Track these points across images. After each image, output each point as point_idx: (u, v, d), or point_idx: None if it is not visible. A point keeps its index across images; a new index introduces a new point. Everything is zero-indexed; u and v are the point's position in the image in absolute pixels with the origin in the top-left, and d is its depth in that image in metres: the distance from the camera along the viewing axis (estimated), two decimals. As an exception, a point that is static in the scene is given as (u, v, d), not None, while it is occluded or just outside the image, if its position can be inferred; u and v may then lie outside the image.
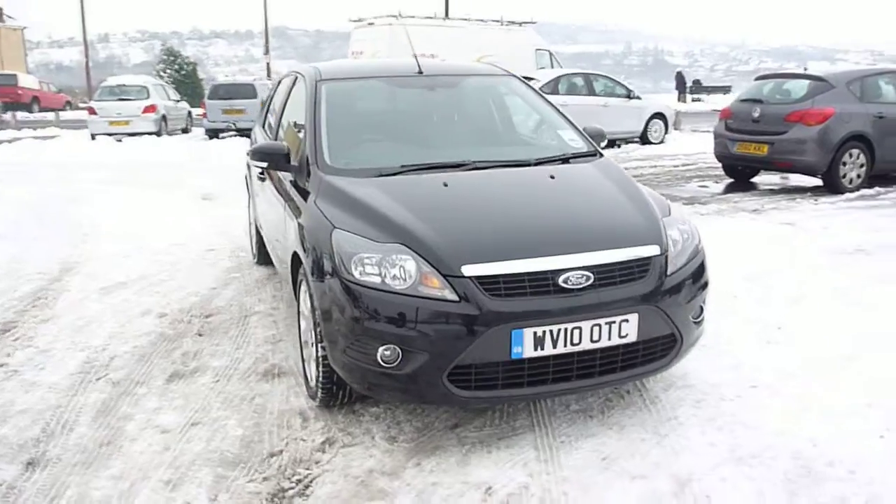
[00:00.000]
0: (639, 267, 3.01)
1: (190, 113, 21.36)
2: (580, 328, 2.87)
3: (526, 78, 5.32)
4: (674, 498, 2.67)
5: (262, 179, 4.52)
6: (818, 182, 9.26)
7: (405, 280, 2.87)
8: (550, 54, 17.89)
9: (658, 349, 3.09)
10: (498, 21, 16.41)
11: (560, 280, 2.86)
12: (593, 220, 3.23)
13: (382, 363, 2.87)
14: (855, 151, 8.76)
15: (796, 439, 3.02)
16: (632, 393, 3.48)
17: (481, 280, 2.82)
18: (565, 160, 3.85)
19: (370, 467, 2.90)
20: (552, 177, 3.57)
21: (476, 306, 2.79)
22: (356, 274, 2.92)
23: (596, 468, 2.87)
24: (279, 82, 5.39)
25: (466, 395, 2.89)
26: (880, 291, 4.82)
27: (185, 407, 3.45)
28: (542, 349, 2.85)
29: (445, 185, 3.39)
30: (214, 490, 2.76)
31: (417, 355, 2.83)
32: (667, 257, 3.09)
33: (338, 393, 3.26)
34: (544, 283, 2.86)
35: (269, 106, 5.44)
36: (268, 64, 31.00)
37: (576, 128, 4.21)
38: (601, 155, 3.96)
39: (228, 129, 18.09)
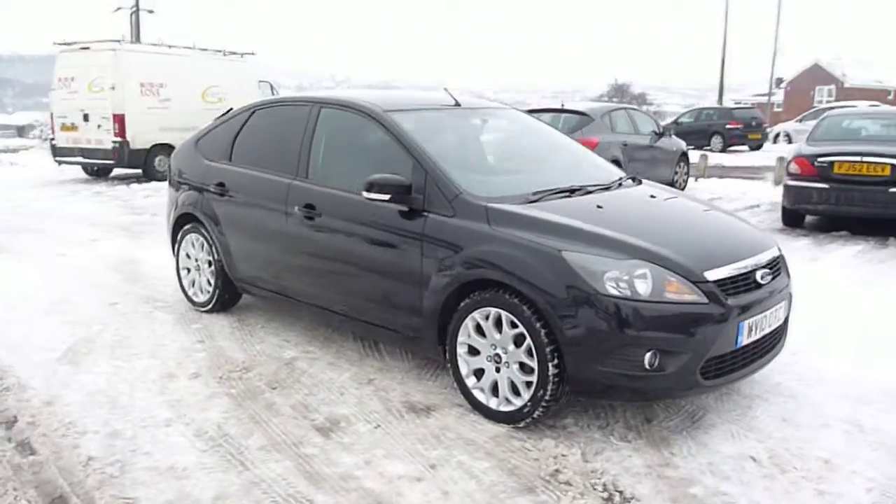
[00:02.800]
0: (778, 263, 3.76)
1: None
2: (766, 316, 3.52)
3: None
4: (860, 434, 3.46)
5: (311, 217, 4.22)
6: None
7: (651, 290, 3.21)
8: (271, 86, 17.77)
9: (783, 330, 3.85)
10: (220, 51, 15.83)
11: (758, 276, 3.48)
12: (734, 229, 3.89)
13: (648, 367, 3.17)
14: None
15: (871, 381, 4.03)
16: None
17: (718, 283, 3.30)
18: (620, 183, 4.43)
19: (645, 463, 3.18)
20: (652, 196, 4.14)
21: (720, 305, 3.27)
22: (610, 289, 3.18)
23: (789, 427, 3.54)
24: (251, 112, 4.97)
25: (709, 384, 3.34)
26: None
27: (394, 454, 3.25)
28: (750, 336, 3.43)
29: (600, 206, 3.76)
30: (557, 513, 2.80)
31: (681, 355, 3.19)
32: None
33: (550, 408, 3.41)
34: (749, 280, 3.45)
35: (236, 137, 4.98)
36: None
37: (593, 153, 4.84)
38: (639, 179, 4.62)
39: None
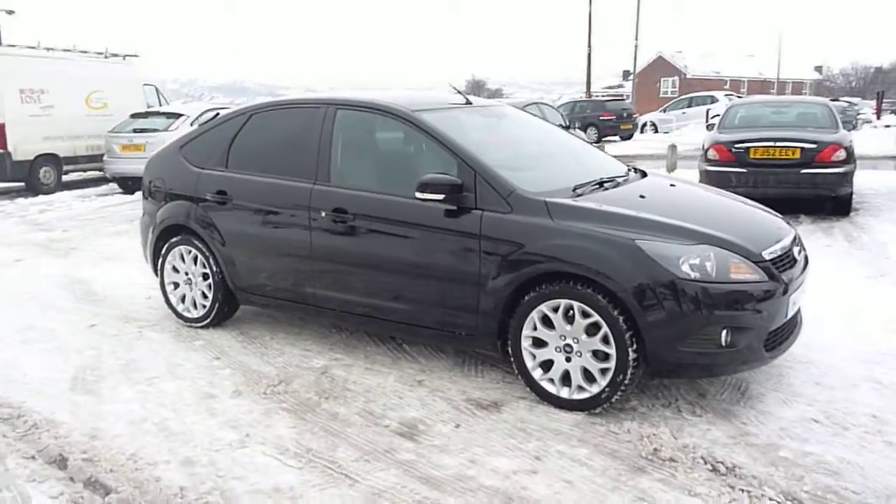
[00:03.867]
0: (799, 242, 4.09)
1: None
2: (801, 289, 3.83)
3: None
4: (887, 389, 3.85)
5: (343, 222, 4.12)
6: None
7: (718, 272, 3.42)
8: (157, 90, 16.80)
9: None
10: (102, 53, 14.78)
11: (795, 253, 3.78)
12: (760, 212, 4.18)
13: (723, 344, 3.38)
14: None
15: (866, 344, 4.47)
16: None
17: (773, 261, 3.56)
18: (629, 174, 4.63)
19: (726, 434, 3.39)
20: (672, 185, 4.37)
21: (777, 281, 3.53)
22: (686, 274, 3.35)
23: (826, 389, 3.87)
24: (248, 117, 4.74)
25: (769, 356, 3.60)
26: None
27: (494, 451, 3.28)
28: (794, 309, 3.73)
29: (642, 196, 3.93)
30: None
31: (750, 331, 3.43)
32: None
33: (626, 391, 3.54)
34: (790, 257, 3.74)
35: (232, 143, 4.76)
36: None
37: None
38: (641, 170, 4.84)
39: None
